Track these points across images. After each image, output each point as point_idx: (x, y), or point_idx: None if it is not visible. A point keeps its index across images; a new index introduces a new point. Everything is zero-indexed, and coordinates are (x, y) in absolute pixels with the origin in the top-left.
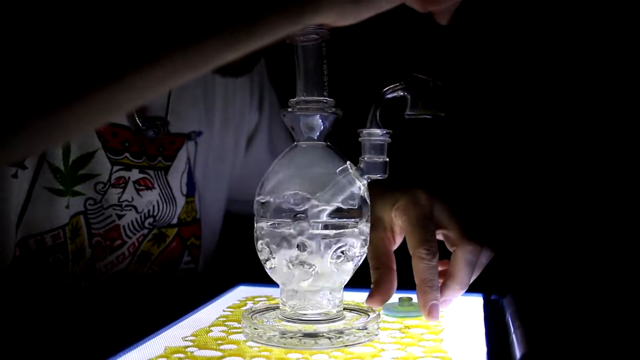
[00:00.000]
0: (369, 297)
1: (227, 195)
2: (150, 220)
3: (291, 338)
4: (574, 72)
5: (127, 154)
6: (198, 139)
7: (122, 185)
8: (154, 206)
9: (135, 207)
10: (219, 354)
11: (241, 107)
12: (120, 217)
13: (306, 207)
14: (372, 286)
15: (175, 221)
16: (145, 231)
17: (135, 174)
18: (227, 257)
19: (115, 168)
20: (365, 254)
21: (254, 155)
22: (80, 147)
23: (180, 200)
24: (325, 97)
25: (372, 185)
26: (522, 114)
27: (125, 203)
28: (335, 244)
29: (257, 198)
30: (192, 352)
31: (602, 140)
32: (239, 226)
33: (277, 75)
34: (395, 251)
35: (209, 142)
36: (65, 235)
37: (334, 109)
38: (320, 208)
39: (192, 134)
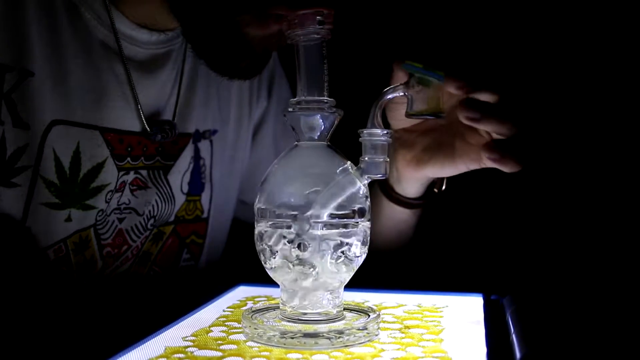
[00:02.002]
0: None
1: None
2: (152, 221)
3: (291, 338)
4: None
5: (129, 159)
6: (213, 137)
7: (122, 189)
8: (153, 206)
9: (135, 210)
10: (219, 354)
11: (249, 98)
12: (121, 220)
13: (307, 207)
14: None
15: (172, 219)
16: (148, 232)
17: (131, 176)
18: (227, 257)
19: (121, 174)
20: (365, 254)
21: (260, 151)
22: (90, 159)
23: (180, 199)
24: (325, 97)
25: None
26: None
27: (124, 206)
28: (336, 244)
29: (257, 197)
30: (192, 352)
31: (603, 139)
32: (239, 226)
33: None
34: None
35: (224, 139)
36: (68, 247)
37: (334, 109)
38: (320, 208)
39: (207, 133)
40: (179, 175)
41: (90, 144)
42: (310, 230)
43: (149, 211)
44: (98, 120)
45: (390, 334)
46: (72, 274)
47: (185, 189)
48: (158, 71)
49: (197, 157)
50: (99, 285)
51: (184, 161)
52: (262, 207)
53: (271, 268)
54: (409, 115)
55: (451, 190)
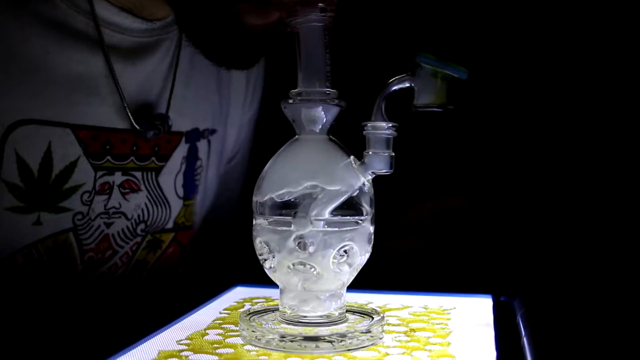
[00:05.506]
0: None
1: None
2: (142, 226)
3: (291, 341)
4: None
5: (109, 157)
6: (211, 137)
7: (107, 191)
8: (142, 210)
9: (124, 214)
10: (216, 358)
11: (244, 99)
12: (108, 225)
13: (308, 204)
14: None
15: (170, 225)
16: (139, 239)
17: (118, 177)
18: (224, 257)
19: (99, 174)
20: (368, 254)
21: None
22: (62, 159)
23: (176, 203)
24: (327, 87)
25: None
26: (531, 111)
27: (113, 210)
28: (338, 243)
29: (255, 193)
30: (187, 357)
31: (617, 140)
32: (237, 224)
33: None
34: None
35: (223, 140)
36: (40, 252)
37: (337, 101)
38: (322, 205)
39: (206, 132)
40: (171, 177)
41: (62, 143)
42: (312, 229)
43: (138, 215)
44: (70, 116)
45: (395, 337)
46: (48, 278)
47: (181, 192)
48: (145, 62)
49: (192, 157)
50: (88, 289)
51: (175, 162)
52: (261, 203)
53: (270, 268)
54: (415, 107)
55: (458, 188)
